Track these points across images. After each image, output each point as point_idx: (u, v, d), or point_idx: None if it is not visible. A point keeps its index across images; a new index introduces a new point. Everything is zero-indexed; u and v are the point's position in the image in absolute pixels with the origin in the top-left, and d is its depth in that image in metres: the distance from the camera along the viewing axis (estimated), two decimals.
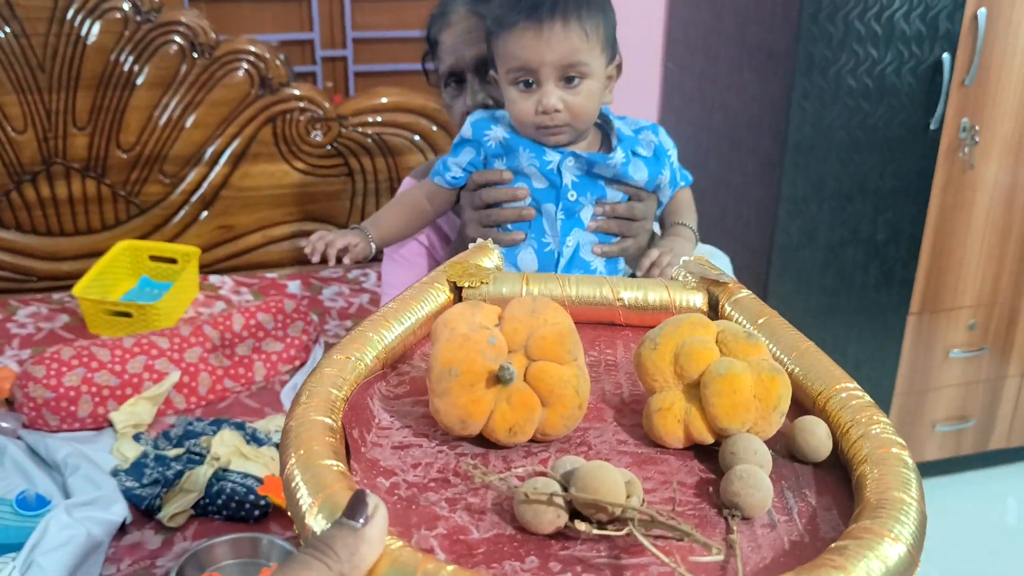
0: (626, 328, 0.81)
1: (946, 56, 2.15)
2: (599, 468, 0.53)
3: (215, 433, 1.57)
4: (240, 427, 1.60)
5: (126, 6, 2.11)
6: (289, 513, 0.52)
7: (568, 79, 1.21)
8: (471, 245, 0.86)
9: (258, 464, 1.50)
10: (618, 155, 1.25)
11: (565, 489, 0.53)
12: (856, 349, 2.42)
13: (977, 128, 2.30)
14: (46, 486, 1.49)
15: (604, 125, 1.32)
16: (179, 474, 1.47)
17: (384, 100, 2.31)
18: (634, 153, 1.27)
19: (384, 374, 0.70)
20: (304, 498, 0.50)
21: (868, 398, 0.64)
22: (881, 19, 2.07)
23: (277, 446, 1.57)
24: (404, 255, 1.54)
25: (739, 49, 2.31)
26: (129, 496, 1.45)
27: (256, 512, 1.43)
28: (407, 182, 1.58)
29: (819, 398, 0.65)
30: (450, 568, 0.45)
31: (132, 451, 1.57)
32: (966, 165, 2.34)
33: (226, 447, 1.51)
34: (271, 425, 1.64)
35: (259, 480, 1.45)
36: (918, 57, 2.14)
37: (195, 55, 2.18)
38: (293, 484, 0.52)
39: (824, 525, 0.56)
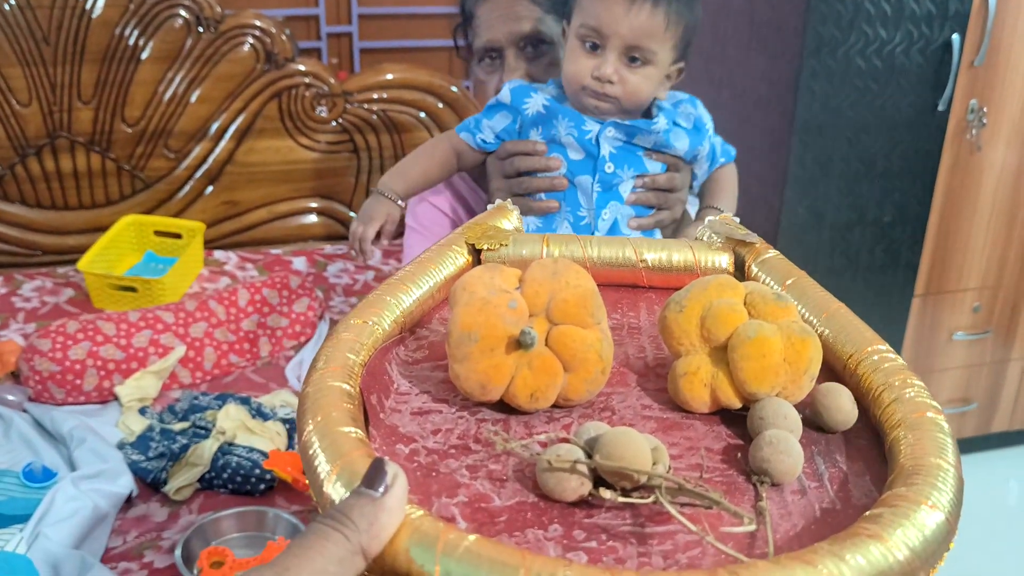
0: (649, 290, 0.79)
1: (955, 37, 2.13)
2: (624, 434, 0.51)
3: (221, 407, 1.57)
4: (246, 402, 1.60)
5: None
6: (307, 481, 0.50)
7: (632, 58, 1.21)
8: (490, 206, 0.84)
9: (263, 438, 1.50)
10: (661, 122, 1.25)
11: (589, 456, 0.52)
12: None
13: (985, 110, 2.29)
14: (52, 458, 1.49)
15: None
16: (185, 448, 1.47)
17: (390, 76, 2.30)
18: (675, 123, 1.27)
19: (402, 339, 0.69)
20: (322, 466, 0.49)
21: (901, 360, 0.61)
22: None
23: (282, 421, 1.57)
24: (428, 227, 1.52)
25: (747, 28, 2.29)
26: (135, 469, 1.46)
27: (261, 486, 1.43)
28: None
29: (850, 360, 0.63)
30: (472, 537, 0.44)
31: (138, 425, 1.57)
32: (973, 147, 2.33)
33: (232, 421, 1.51)
34: (276, 400, 1.64)
35: (264, 454, 1.46)
36: (927, 37, 2.13)
37: (200, 29, 2.17)
38: (311, 451, 0.50)
39: (856, 491, 0.55)
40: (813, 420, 0.61)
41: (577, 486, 0.51)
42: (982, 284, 2.53)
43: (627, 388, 0.64)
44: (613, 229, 1.27)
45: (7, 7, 2.05)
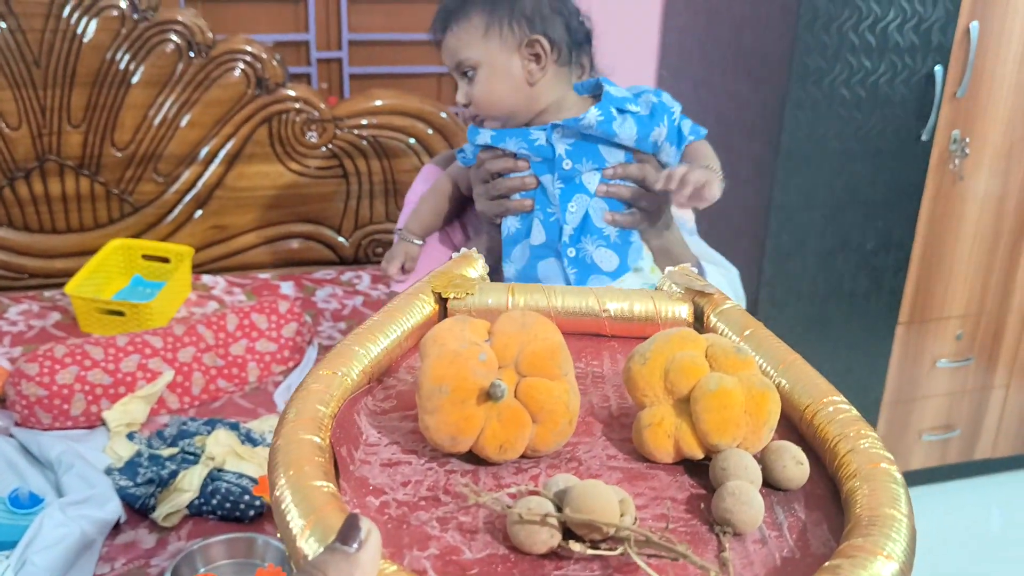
0: (612, 339, 0.81)
1: (938, 68, 2.17)
2: (592, 487, 0.53)
3: (209, 433, 1.57)
4: (235, 427, 1.60)
5: (123, 4, 2.10)
6: (279, 536, 0.51)
7: (463, 74, 1.35)
8: (454, 256, 0.85)
9: (253, 464, 1.49)
10: (591, 114, 1.30)
11: (559, 509, 0.53)
12: (845, 358, 2.44)
13: (967, 140, 2.33)
14: (39, 484, 1.49)
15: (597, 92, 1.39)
16: (173, 474, 1.47)
17: (379, 103, 2.32)
18: (622, 111, 1.32)
19: (370, 388, 0.70)
20: (295, 521, 0.50)
21: (855, 412, 0.63)
22: (876, 30, 2.09)
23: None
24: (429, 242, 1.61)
25: (734, 56, 2.32)
26: (123, 495, 1.45)
27: (251, 512, 1.42)
28: (428, 168, 1.65)
29: (806, 412, 0.65)
30: None
31: (126, 450, 1.57)
32: (956, 176, 2.37)
33: (221, 447, 1.51)
34: (265, 425, 1.64)
35: (254, 480, 1.45)
36: (911, 68, 2.16)
37: (191, 54, 2.18)
38: (283, 506, 0.51)
39: (814, 541, 0.56)
40: (765, 481, 0.62)
41: (547, 538, 0.52)
42: (965, 312, 2.56)
43: (592, 438, 0.66)
44: (585, 222, 1.33)
45: None
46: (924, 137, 2.24)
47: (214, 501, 1.43)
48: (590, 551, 0.52)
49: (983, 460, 2.80)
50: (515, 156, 1.35)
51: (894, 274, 2.39)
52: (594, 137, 1.32)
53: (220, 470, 1.48)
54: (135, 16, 2.12)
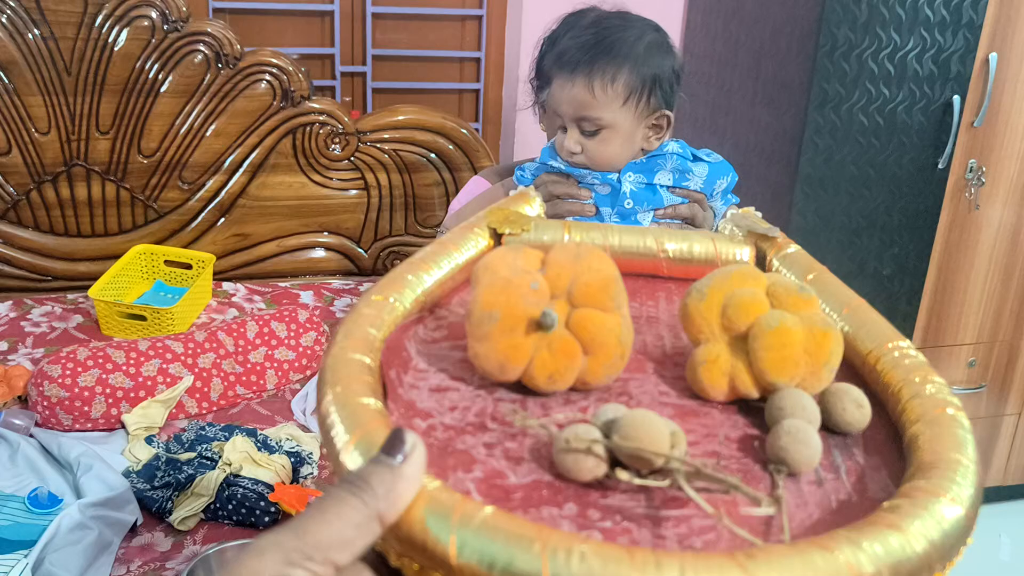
0: (669, 281, 0.78)
1: (956, 98, 2.18)
2: (643, 417, 0.51)
3: (227, 439, 1.59)
4: (252, 434, 1.62)
5: (154, 15, 2.14)
6: (324, 451, 0.51)
7: (584, 128, 1.35)
8: (512, 192, 0.86)
9: (269, 471, 1.52)
10: (672, 145, 1.36)
11: (607, 437, 0.51)
12: None
13: (984, 169, 2.34)
14: (58, 485, 1.51)
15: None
16: (190, 478, 1.49)
17: (401, 117, 2.34)
18: (695, 157, 1.38)
19: (422, 318, 0.68)
20: (340, 435, 0.49)
21: (922, 357, 0.60)
22: (895, 59, 2.11)
23: (288, 454, 1.59)
24: None
25: (753, 83, 2.34)
26: (140, 498, 1.47)
27: (266, 519, 1.44)
28: (477, 179, 1.66)
29: (869, 356, 0.62)
30: (488, 509, 0.44)
31: (144, 453, 1.59)
32: (972, 205, 2.38)
33: (238, 453, 1.53)
34: (282, 433, 1.66)
35: (270, 487, 1.47)
36: (929, 98, 2.18)
37: (219, 65, 2.21)
38: (329, 420, 0.50)
39: (873, 485, 0.54)
40: (824, 425, 0.59)
41: (593, 467, 0.51)
42: (978, 339, 2.56)
43: (644, 374, 0.64)
44: None
45: (31, 37, 2.10)
46: (941, 165, 2.25)
47: (230, 506, 1.45)
48: (637, 481, 0.50)
49: (994, 487, 2.80)
50: (578, 182, 1.39)
51: (908, 300, 2.40)
52: (658, 184, 1.37)
53: (236, 476, 1.50)
54: (165, 27, 2.16)
